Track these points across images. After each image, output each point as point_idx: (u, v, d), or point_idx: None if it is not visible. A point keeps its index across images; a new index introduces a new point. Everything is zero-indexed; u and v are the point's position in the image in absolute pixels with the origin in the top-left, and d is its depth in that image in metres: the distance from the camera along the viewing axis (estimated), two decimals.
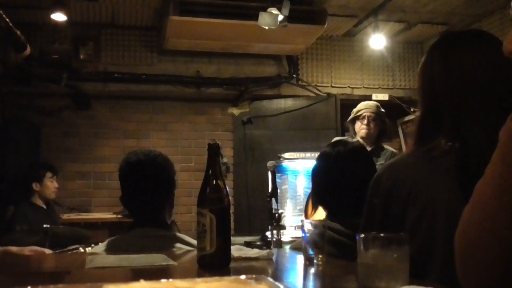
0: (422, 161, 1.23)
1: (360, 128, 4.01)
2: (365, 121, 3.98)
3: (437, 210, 1.15)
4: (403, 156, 1.33)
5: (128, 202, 1.89)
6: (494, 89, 1.21)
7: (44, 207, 4.33)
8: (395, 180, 1.24)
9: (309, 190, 4.14)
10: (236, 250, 1.43)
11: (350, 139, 3.46)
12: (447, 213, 1.12)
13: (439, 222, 1.14)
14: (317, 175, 1.98)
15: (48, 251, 2.11)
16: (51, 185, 4.32)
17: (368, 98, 6.04)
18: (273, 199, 3.22)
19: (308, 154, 4.69)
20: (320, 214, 3.91)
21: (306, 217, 2.98)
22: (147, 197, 1.84)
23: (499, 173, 0.78)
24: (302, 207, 4.16)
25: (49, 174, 4.32)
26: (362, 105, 4.08)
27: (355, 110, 4.07)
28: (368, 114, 3.98)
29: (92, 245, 2.51)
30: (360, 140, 3.95)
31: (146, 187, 1.84)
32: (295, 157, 4.44)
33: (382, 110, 4.09)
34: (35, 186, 4.26)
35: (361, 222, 1.32)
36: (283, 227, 3.35)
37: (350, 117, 4.12)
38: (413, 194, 1.20)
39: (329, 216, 1.90)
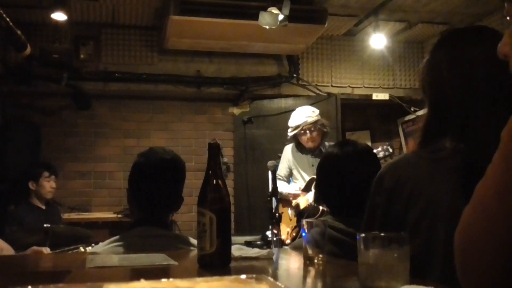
0: (426, 161, 1.22)
1: (306, 142, 4.11)
2: (308, 135, 4.07)
3: (438, 210, 1.15)
4: (406, 155, 1.33)
5: (137, 198, 1.86)
6: (501, 86, 1.20)
7: (43, 207, 4.30)
8: (397, 179, 1.24)
9: None
10: (237, 250, 1.42)
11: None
12: (448, 214, 1.12)
13: (440, 222, 1.13)
14: (322, 174, 1.99)
15: (47, 250, 2.12)
16: (47, 184, 4.28)
17: (369, 97, 6.06)
18: (274, 199, 3.22)
19: None
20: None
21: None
22: (160, 196, 1.82)
23: (500, 174, 0.78)
24: None
25: (45, 174, 4.28)
26: (296, 119, 4.10)
27: (293, 125, 4.11)
28: (306, 127, 4.05)
29: (93, 244, 2.51)
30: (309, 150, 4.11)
31: (164, 187, 1.83)
32: None
33: (315, 112, 4.13)
34: (31, 185, 4.24)
35: (362, 220, 1.32)
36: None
37: (291, 134, 4.15)
38: (415, 193, 1.19)
39: (331, 214, 1.91)
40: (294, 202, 4.03)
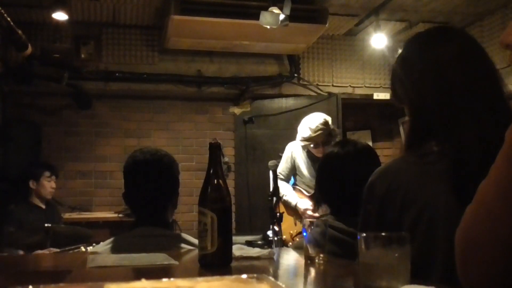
0: (416, 166, 1.22)
1: (317, 153, 3.92)
2: (320, 148, 3.87)
3: (435, 213, 1.15)
4: (395, 161, 1.31)
5: (131, 200, 1.88)
6: (478, 84, 1.21)
7: (43, 206, 4.30)
8: (389, 186, 1.23)
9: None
10: (237, 249, 1.43)
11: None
12: (445, 216, 1.12)
13: (438, 225, 1.13)
14: (324, 174, 1.98)
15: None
16: (47, 184, 4.28)
17: (370, 97, 6.05)
18: (274, 198, 3.22)
19: None
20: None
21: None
22: (150, 197, 1.83)
23: (503, 174, 0.77)
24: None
25: (47, 173, 4.28)
26: (308, 130, 3.84)
27: (305, 136, 3.86)
28: (318, 140, 3.85)
29: (94, 244, 2.51)
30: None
31: (151, 186, 1.83)
32: None
33: (328, 122, 3.87)
34: (32, 183, 4.23)
35: (357, 227, 1.32)
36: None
37: (301, 144, 3.97)
38: (408, 198, 1.19)
39: (332, 213, 1.91)
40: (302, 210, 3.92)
